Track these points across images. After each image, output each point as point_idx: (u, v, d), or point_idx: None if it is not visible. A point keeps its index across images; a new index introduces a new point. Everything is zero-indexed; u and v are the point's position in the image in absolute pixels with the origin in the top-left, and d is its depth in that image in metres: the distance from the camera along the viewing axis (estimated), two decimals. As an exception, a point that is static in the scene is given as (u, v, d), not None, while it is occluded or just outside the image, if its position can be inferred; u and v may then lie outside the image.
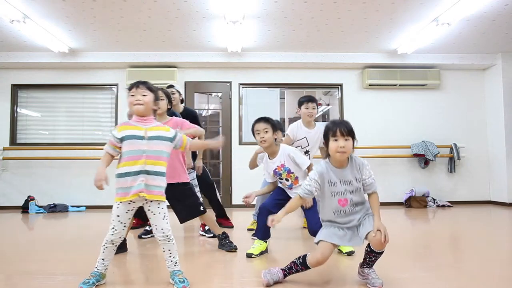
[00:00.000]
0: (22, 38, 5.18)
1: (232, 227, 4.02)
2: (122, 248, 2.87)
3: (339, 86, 6.34)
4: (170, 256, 2.01)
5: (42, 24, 4.69)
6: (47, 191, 5.90)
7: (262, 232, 2.82)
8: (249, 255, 2.70)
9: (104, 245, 2.00)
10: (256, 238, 2.89)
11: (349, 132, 1.94)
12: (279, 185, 2.98)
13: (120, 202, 1.96)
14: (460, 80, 6.36)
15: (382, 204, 6.26)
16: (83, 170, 5.95)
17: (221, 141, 2.31)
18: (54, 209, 5.65)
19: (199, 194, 3.55)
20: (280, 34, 5.17)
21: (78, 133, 6.14)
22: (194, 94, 6.23)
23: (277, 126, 2.84)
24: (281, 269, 2.07)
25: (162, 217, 1.99)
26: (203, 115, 6.56)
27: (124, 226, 2.00)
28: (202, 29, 4.96)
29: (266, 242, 2.84)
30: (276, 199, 2.86)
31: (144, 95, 2.00)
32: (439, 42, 5.44)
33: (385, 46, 5.67)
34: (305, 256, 2.00)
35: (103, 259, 2.01)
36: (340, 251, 2.75)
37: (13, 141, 6.06)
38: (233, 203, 6.06)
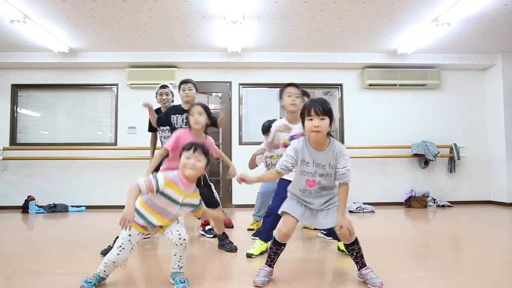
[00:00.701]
0: (22, 38, 5.18)
1: (232, 227, 4.02)
2: None
3: (339, 86, 6.34)
4: (179, 261, 2.02)
5: (42, 24, 4.69)
6: (47, 191, 5.90)
7: (265, 234, 2.79)
8: (249, 255, 2.70)
9: (105, 264, 1.94)
10: (256, 238, 2.89)
11: (324, 111, 1.89)
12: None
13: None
14: (460, 80, 6.36)
15: (382, 204, 6.28)
16: (83, 170, 5.95)
17: (223, 218, 2.43)
18: (54, 209, 5.64)
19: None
20: (280, 34, 5.17)
21: (78, 133, 6.14)
22: (194, 94, 6.22)
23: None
24: (264, 264, 2.11)
25: (177, 223, 2.03)
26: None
27: (132, 248, 1.95)
28: (202, 29, 4.96)
29: (267, 243, 2.84)
30: (282, 199, 2.81)
31: (199, 161, 1.94)
32: (439, 42, 5.44)
33: (385, 46, 5.67)
34: (274, 237, 2.08)
35: (104, 271, 1.98)
36: (341, 251, 2.74)
37: (13, 141, 6.06)
38: (233, 203, 6.06)
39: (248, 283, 2.08)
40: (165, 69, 5.98)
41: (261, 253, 2.75)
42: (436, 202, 5.94)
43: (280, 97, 2.72)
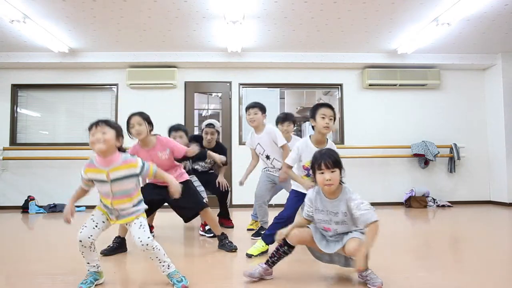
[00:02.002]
0: (22, 38, 5.18)
1: (232, 227, 4.03)
2: (121, 248, 2.87)
3: (339, 86, 6.34)
4: (160, 262, 1.97)
5: (42, 24, 4.68)
6: (47, 191, 5.89)
7: (271, 238, 2.70)
8: (249, 256, 2.70)
9: (79, 249, 1.97)
10: (256, 238, 2.89)
11: (334, 163, 1.94)
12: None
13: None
14: (460, 80, 6.36)
15: (382, 204, 6.28)
16: (83, 170, 5.94)
17: (179, 188, 2.15)
18: (54, 209, 5.64)
19: (200, 189, 3.62)
20: (280, 34, 5.17)
21: (78, 133, 6.13)
22: (194, 94, 6.23)
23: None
24: (264, 262, 2.13)
25: (138, 227, 1.95)
26: (203, 115, 6.56)
27: (96, 227, 1.98)
28: (202, 29, 4.96)
29: (268, 246, 2.81)
30: (295, 208, 2.75)
31: (104, 133, 1.90)
32: (439, 42, 5.44)
33: (385, 46, 5.67)
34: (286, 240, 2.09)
35: (88, 262, 2.00)
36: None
37: (13, 141, 6.06)
38: (233, 203, 6.05)
39: (248, 283, 2.08)
40: (165, 69, 5.98)
41: (261, 254, 2.75)
42: (436, 202, 5.94)
43: (312, 116, 2.56)
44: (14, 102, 6.11)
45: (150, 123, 2.82)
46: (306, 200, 2.13)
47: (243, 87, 6.29)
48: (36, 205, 5.64)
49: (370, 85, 6.16)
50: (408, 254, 2.82)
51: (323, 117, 2.48)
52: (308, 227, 2.11)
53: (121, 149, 2.01)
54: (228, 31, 4.89)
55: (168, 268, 1.99)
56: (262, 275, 2.10)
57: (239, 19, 4.44)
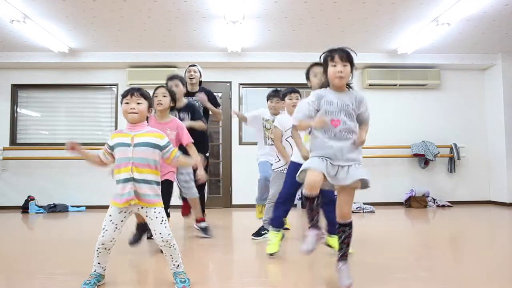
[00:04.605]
0: (22, 38, 5.18)
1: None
2: (144, 230, 2.86)
3: (339, 86, 6.33)
4: (172, 260, 1.98)
5: (42, 24, 4.68)
6: (47, 191, 5.89)
7: (278, 221, 2.71)
8: (272, 254, 2.58)
9: (97, 250, 1.98)
10: (256, 238, 2.88)
11: (347, 57, 1.95)
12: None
13: (115, 206, 1.96)
14: (460, 80, 6.36)
15: (382, 204, 6.28)
16: (83, 170, 5.94)
17: (202, 162, 2.35)
18: (54, 209, 5.64)
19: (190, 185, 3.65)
20: (280, 34, 5.17)
21: (78, 133, 6.13)
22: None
23: None
24: (310, 229, 2.01)
25: (160, 222, 1.94)
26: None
27: (116, 228, 1.96)
28: (202, 29, 4.96)
29: (280, 231, 2.73)
30: (295, 185, 2.68)
31: (139, 103, 1.97)
32: (439, 42, 5.44)
33: (385, 46, 5.67)
34: (304, 195, 1.94)
35: (99, 263, 2.00)
36: (329, 246, 2.68)
37: (13, 141, 6.06)
38: (233, 203, 6.05)
39: (249, 283, 2.08)
40: (165, 69, 5.97)
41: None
42: (436, 202, 5.94)
43: (307, 77, 2.71)
44: (14, 102, 6.11)
45: (174, 100, 2.92)
46: (309, 98, 2.02)
47: (243, 87, 6.29)
48: (36, 205, 5.64)
49: (370, 85, 6.16)
50: (408, 254, 2.82)
51: (315, 76, 2.61)
52: (313, 170, 1.91)
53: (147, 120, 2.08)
54: (228, 31, 4.89)
55: (177, 268, 1.99)
56: (318, 241, 2.02)
57: (239, 19, 4.44)
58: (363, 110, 2.04)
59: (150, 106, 2.05)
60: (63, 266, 2.46)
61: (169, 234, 1.93)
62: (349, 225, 1.95)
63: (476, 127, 6.34)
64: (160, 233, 1.92)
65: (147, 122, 2.07)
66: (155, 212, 1.94)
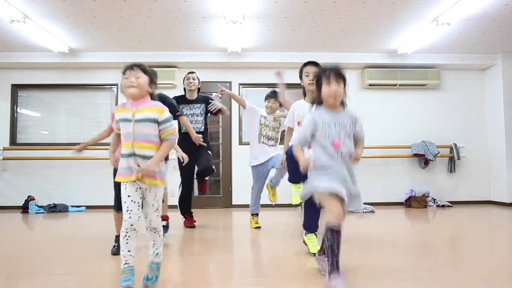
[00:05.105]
0: (22, 38, 5.18)
1: (193, 227, 3.97)
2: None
3: (339, 86, 6.33)
4: (154, 246, 1.98)
5: (42, 24, 4.68)
6: (47, 191, 5.89)
7: (314, 225, 2.66)
8: (314, 254, 2.50)
9: (125, 236, 1.85)
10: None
11: (340, 76, 1.99)
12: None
13: (127, 182, 1.89)
14: (460, 80, 6.36)
15: (382, 204, 6.28)
16: (83, 170, 5.95)
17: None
18: (54, 209, 5.64)
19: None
20: (280, 34, 5.17)
21: (78, 133, 6.13)
22: (194, 94, 6.23)
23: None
24: (333, 274, 1.81)
25: (154, 210, 1.94)
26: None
27: (139, 206, 1.90)
28: (202, 29, 4.96)
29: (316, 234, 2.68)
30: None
31: (138, 78, 1.93)
32: (439, 42, 5.44)
33: (385, 46, 5.67)
34: (327, 226, 1.85)
35: (129, 251, 1.86)
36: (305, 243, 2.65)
37: (13, 141, 6.06)
38: (233, 203, 6.05)
39: (249, 283, 2.08)
40: (165, 69, 5.97)
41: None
42: (436, 202, 5.94)
43: (300, 77, 2.74)
44: (14, 102, 6.11)
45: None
46: (307, 120, 2.03)
47: (243, 87, 6.29)
48: (36, 205, 5.64)
49: (370, 85, 6.16)
50: (408, 254, 2.82)
51: (307, 75, 2.65)
52: (326, 193, 1.89)
53: (152, 97, 2.02)
54: (228, 31, 4.89)
55: (155, 257, 1.98)
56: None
57: (239, 19, 4.44)
58: (358, 128, 2.05)
59: (152, 81, 1.99)
60: (63, 266, 2.46)
61: (158, 223, 1.95)
62: (339, 232, 1.86)
63: (476, 127, 6.34)
64: (150, 220, 1.93)
65: (151, 98, 2.00)
66: (154, 199, 1.92)
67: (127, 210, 1.86)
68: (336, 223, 1.81)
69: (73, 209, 5.73)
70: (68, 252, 2.88)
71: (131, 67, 1.95)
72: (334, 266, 1.80)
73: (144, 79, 1.95)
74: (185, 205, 3.98)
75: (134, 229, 1.87)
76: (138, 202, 1.89)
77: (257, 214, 3.94)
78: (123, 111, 1.95)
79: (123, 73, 1.96)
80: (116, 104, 6.10)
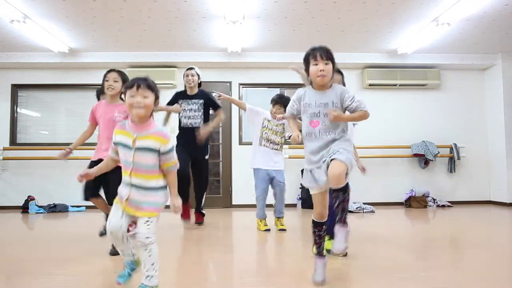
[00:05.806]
0: (22, 38, 5.18)
1: (188, 218, 3.99)
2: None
3: (339, 86, 6.33)
4: (144, 267, 1.77)
5: (42, 24, 4.68)
6: (47, 191, 5.89)
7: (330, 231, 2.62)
8: (328, 250, 2.49)
9: (111, 239, 1.87)
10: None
11: (328, 56, 1.97)
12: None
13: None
14: (460, 80, 6.36)
15: (382, 204, 6.27)
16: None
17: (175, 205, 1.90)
18: (54, 209, 5.64)
19: None
20: (280, 34, 5.17)
21: (78, 133, 5.97)
22: (194, 94, 6.23)
23: None
24: (316, 257, 2.04)
25: (145, 221, 1.74)
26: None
27: (122, 216, 1.80)
28: (202, 29, 4.96)
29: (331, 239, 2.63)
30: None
31: (145, 97, 1.75)
32: (439, 42, 5.44)
33: (385, 46, 5.67)
34: (313, 219, 2.04)
35: (122, 250, 1.90)
36: (328, 251, 2.63)
37: (13, 141, 6.06)
38: (233, 203, 6.05)
39: (249, 283, 2.08)
40: (165, 69, 5.98)
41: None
42: (436, 202, 5.94)
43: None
44: (14, 102, 6.11)
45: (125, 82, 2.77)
46: (293, 98, 2.13)
47: (243, 87, 6.29)
48: (36, 205, 5.64)
49: (370, 85, 6.16)
50: (408, 254, 2.82)
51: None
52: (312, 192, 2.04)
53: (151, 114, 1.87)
54: (228, 31, 4.89)
55: (146, 279, 1.75)
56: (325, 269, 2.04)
57: (239, 19, 4.44)
58: (348, 102, 2.01)
59: (157, 98, 1.83)
60: (63, 266, 2.46)
61: (147, 237, 1.73)
62: (343, 189, 1.87)
63: (476, 127, 6.34)
64: (140, 233, 1.73)
65: (152, 117, 1.85)
66: (146, 222, 1.75)
67: (110, 217, 1.84)
68: (317, 218, 2.03)
69: (73, 209, 5.73)
70: (68, 252, 2.88)
71: (138, 83, 1.76)
72: (318, 251, 2.04)
73: (151, 99, 1.79)
74: (181, 191, 3.92)
75: (116, 237, 1.81)
76: (120, 215, 1.81)
77: (264, 218, 3.77)
78: (122, 134, 1.80)
79: (128, 87, 1.78)
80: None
